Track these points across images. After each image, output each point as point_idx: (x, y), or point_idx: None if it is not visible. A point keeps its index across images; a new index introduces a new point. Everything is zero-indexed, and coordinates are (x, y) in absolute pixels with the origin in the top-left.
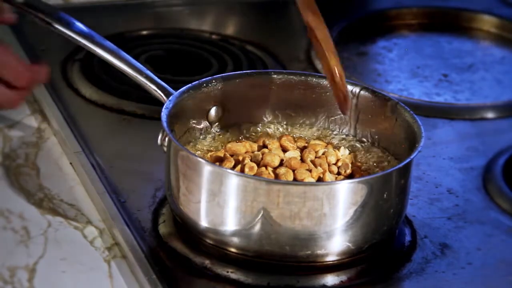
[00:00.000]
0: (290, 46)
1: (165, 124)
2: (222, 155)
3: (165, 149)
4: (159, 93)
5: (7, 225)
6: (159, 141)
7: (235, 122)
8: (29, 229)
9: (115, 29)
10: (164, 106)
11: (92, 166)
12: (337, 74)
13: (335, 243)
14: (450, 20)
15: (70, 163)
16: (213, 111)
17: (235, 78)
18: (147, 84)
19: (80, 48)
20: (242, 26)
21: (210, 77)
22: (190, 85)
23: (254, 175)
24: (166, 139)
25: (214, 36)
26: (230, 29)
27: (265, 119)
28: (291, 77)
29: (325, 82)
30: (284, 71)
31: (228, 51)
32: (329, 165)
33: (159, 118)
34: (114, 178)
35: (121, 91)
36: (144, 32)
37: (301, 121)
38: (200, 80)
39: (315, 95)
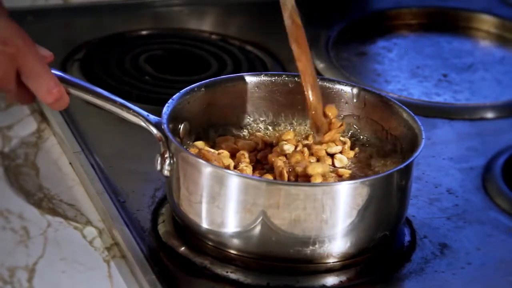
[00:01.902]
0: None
1: (166, 126)
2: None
3: (165, 172)
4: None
5: (7, 225)
6: (158, 166)
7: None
8: (29, 229)
9: (115, 29)
10: (164, 112)
11: (91, 166)
12: (312, 108)
13: (336, 245)
14: (450, 20)
15: (70, 163)
16: (182, 128)
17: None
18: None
19: (79, 48)
20: (242, 26)
21: (188, 88)
22: (175, 96)
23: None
24: (166, 162)
25: (214, 36)
26: (230, 29)
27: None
28: (264, 78)
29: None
30: (250, 73)
31: (228, 51)
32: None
33: None
34: (114, 178)
35: (121, 91)
36: (144, 32)
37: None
38: (181, 92)
39: (276, 94)
